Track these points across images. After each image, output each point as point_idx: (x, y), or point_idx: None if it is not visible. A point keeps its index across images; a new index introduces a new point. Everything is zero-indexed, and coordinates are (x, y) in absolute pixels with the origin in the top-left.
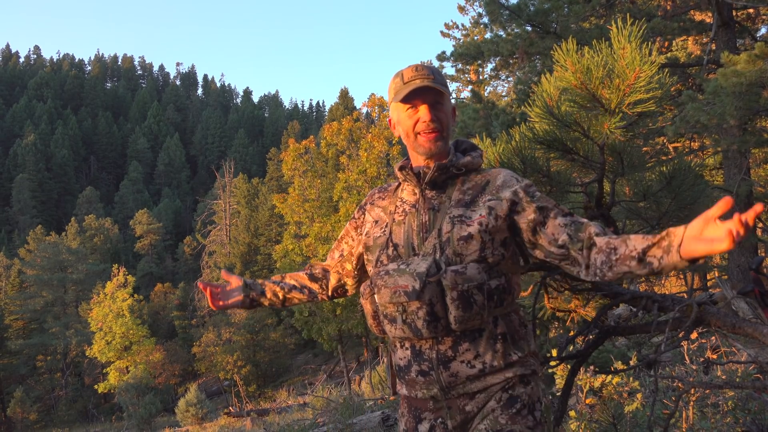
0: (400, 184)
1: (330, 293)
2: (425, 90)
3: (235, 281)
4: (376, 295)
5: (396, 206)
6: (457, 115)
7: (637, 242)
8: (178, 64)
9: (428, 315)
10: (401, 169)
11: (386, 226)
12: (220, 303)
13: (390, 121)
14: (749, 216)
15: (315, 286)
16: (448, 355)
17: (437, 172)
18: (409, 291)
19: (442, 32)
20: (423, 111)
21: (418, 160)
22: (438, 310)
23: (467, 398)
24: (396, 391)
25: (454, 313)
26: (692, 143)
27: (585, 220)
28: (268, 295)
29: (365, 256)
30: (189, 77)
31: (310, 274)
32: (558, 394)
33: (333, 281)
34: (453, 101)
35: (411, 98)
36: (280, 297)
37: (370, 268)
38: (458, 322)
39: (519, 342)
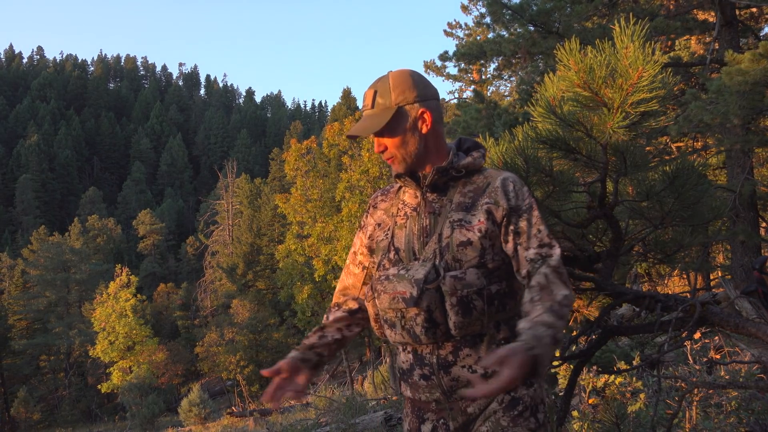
0: (401, 185)
1: None
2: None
3: (284, 366)
4: (376, 300)
5: (398, 209)
6: (460, 114)
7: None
8: (180, 65)
9: (426, 321)
10: (398, 176)
11: (388, 229)
12: (299, 394)
13: None
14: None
15: (357, 318)
16: (448, 360)
17: (437, 176)
18: (406, 297)
19: (445, 31)
20: (374, 141)
21: None
22: (437, 317)
23: (469, 400)
24: (400, 392)
25: (453, 319)
26: (695, 143)
27: (548, 260)
28: (327, 352)
29: (369, 258)
30: (191, 77)
31: (348, 311)
32: (561, 394)
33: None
34: (455, 101)
35: (354, 137)
36: (335, 347)
37: (374, 270)
38: (458, 328)
39: None
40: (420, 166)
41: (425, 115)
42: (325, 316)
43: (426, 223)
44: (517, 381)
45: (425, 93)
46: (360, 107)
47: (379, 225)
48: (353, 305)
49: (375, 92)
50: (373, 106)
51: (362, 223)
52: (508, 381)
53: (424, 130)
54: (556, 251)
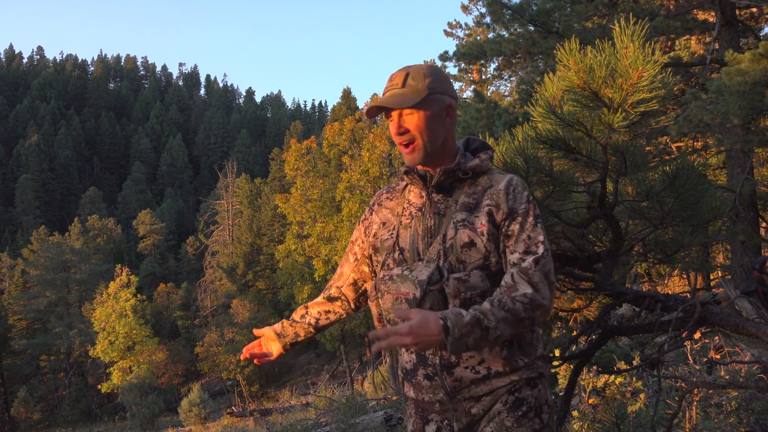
0: (407, 184)
1: (353, 305)
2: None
3: (268, 333)
4: (379, 300)
5: (403, 208)
6: (460, 114)
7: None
8: (180, 65)
9: None
10: (407, 173)
11: (393, 228)
12: (267, 359)
13: None
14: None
15: (336, 306)
16: (451, 361)
17: (443, 176)
18: (410, 299)
19: (445, 31)
20: (392, 126)
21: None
22: None
23: (473, 401)
24: (404, 392)
25: None
26: (695, 143)
27: (521, 263)
28: (303, 334)
29: (374, 257)
30: (191, 77)
31: (327, 297)
32: (561, 394)
33: (351, 294)
34: (454, 100)
35: (377, 112)
36: (313, 330)
37: (378, 269)
38: None
39: (525, 347)
40: (434, 160)
41: (450, 109)
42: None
43: (431, 223)
44: (412, 335)
45: (451, 91)
46: (360, 107)
47: (384, 224)
48: (335, 293)
49: (407, 74)
50: (403, 86)
51: (364, 216)
52: (404, 328)
53: (447, 123)
54: (535, 258)
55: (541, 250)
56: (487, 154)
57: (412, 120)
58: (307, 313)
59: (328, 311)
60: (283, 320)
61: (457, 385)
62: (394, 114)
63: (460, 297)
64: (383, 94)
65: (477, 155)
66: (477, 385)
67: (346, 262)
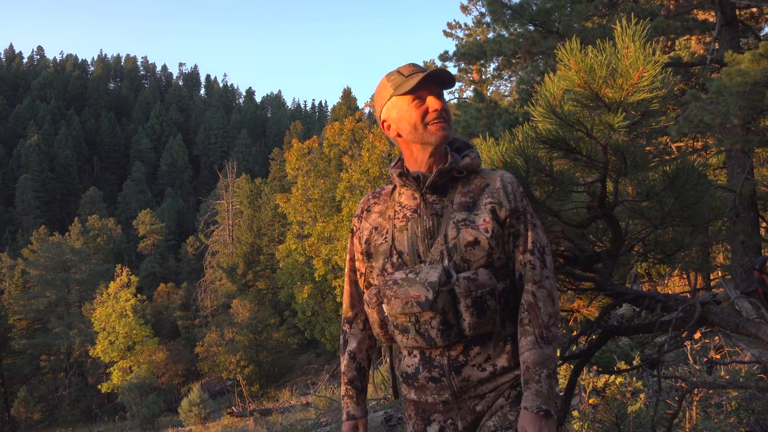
0: (395, 187)
1: None
2: (432, 80)
3: (360, 425)
4: (385, 306)
5: (395, 211)
6: (460, 114)
7: (521, 362)
8: (180, 65)
9: (441, 324)
10: (400, 175)
11: (387, 232)
12: None
13: (384, 122)
14: None
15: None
16: (459, 360)
17: (438, 177)
18: (422, 301)
19: (444, 32)
20: (432, 100)
21: (414, 164)
22: (450, 318)
23: (478, 399)
24: (402, 395)
25: (468, 320)
26: (695, 143)
27: (534, 273)
28: (366, 381)
29: (366, 263)
30: (192, 77)
31: (364, 327)
32: (561, 394)
33: None
34: (455, 101)
35: (418, 88)
36: (368, 369)
37: (374, 275)
38: (472, 329)
39: None
40: (440, 152)
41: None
42: (341, 337)
43: (429, 224)
44: None
45: None
46: (360, 107)
47: (375, 228)
48: (364, 317)
49: (424, 68)
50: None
51: (354, 228)
52: None
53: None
54: (542, 260)
55: (542, 247)
56: (475, 152)
57: (444, 104)
58: (358, 361)
59: (371, 337)
60: (350, 399)
61: (464, 385)
62: (432, 91)
63: (471, 296)
64: (410, 75)
65: (466, 154)
66: (483, 384)
67: (352, 283)
